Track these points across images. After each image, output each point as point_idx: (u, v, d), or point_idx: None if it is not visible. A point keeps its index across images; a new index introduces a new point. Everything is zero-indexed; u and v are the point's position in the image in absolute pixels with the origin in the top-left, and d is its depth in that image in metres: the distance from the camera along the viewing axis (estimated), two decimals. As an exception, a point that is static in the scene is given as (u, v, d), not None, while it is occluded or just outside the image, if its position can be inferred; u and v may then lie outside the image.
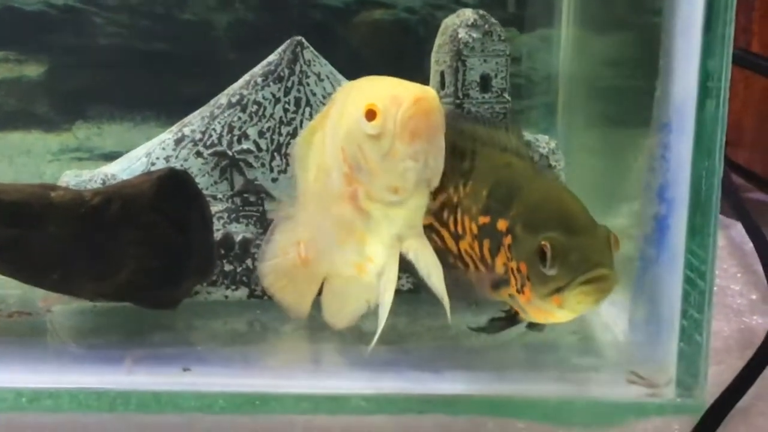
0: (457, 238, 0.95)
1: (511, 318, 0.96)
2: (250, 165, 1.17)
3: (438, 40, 1.23)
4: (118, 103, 1.58)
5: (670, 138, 0.87)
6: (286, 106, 1.19)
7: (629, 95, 1.22)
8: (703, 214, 0.86)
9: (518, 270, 0.86)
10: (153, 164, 1.16)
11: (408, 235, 0.86)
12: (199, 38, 1.57)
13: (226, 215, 1.15)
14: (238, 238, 1.14)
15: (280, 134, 1.18)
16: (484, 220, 0.91)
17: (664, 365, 0.91)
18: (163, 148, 1.18)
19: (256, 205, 1.16)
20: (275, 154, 1.17)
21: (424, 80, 1.27)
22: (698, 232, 0.87)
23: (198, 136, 1.17)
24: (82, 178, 1.16)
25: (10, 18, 1.54)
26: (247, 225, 1.15)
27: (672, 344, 0.89)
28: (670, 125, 0.87)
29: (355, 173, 0.83)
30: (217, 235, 1.13)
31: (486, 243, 0.90)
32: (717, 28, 0.83)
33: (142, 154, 1.19)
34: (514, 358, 1.01)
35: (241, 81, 1.20)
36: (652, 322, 0.93)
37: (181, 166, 1.15)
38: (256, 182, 1.16)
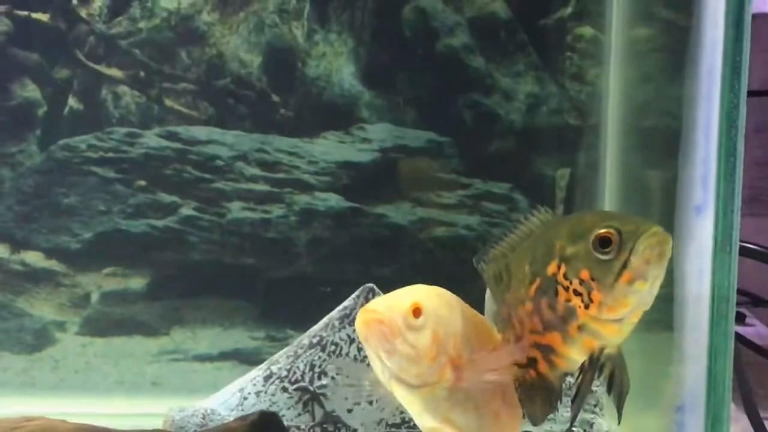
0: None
1: (589, 365, 0.96)
2: (328, 398, 1.34)
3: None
4: (209, 310, 1.78)
5: (684, 418, 1.03)
6: (360, 345, 1.36)
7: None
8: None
9: (581, 282, 0.92)
10: (245, 398, 1.34)
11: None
12: (282, 254, 1.77)
13: (308, 444, 1.33)
14: (319, 465, 1.32)
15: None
16: (534, 286, 0.97)
17: None
18: (254, 384, 1.35)
19: (334, 434, 1.34)
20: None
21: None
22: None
23: (284, 373, 1.35)
24: (186, 413, 1.34)
25: (119, 238, 1.76)
26: (326, 452, 1.33)
27: None
28: (684, 407, 1.03)
29: None
30: (301, 463, 1.30)
31: (544, 303, 0.96)
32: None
33: (236, 389, 1.37)
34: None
35: (320, 324, 1.38)
36: None
37: (270, 400, 1.33)
38: (333, 414, 1.34)
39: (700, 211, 1.01)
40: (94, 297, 1.78)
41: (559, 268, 0.95)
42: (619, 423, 1.12)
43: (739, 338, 1.88)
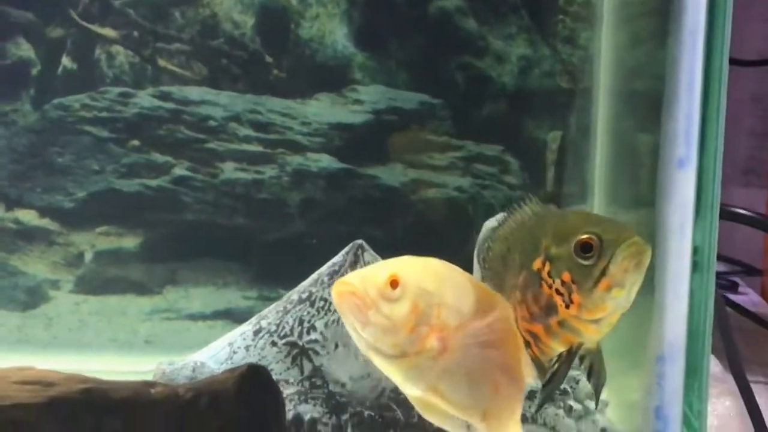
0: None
1: (566, 358, 1.03)
2: (317, 353, 1.36)
3: (479, 240, 1.41)
4: (202, 270, 1.79)
5: (665, 368, 1.04)
6: (348, 302, 1.38)
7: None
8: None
9: (562, 283, 0.96)
10: (235, 352, 1.36)
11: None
12: (274, 214, 1.78)
13: (296, 397, 1.34)
14: (307, 417, 1.33)
15: (343, 326, 1.37)
16: (522, 277, 1.01)
17: None
18: (244, 339, 1.37)
19: (322, 389, 1.35)
20: (338, 343, 1.36)
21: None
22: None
23: (273, 328, 1.37)
24: (176, 366, 1.36)
25: (112, 197, 1.77)
26: (314, 406, 1.34)
27: None
28: (664, 358, 1.04)
29: None
30: (289, 416, 1.31)
31: (530, 295, 1.01)
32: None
33: (226, 343, 1.38)
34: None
35: (310, 279, 1.40)
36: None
37: (259, 354, 1.35)
38: (322, 368, 1.35)
39: (683, 165, 1.02)
40: (88, 256, 1.79)
41: (544, 264, 0.99)
42: (596, 407, 1.16)
43: (730, 304, 1.90)
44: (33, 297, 1.78)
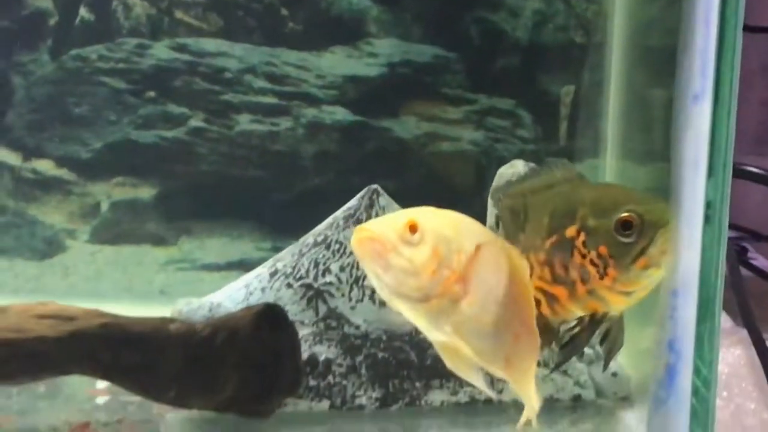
0: None
1: (589, 324, 1.04)
2: (332, 295, 1.37)
3: (493, 187, 1.43)
4: (217, 221, 1.81)
5: (678, 301, 1.05)
6: (362, 246, 1.39)
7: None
8: (703, 379, 1.05)
9: (598, 256, 0.98)
10: (251, 294, 1.37)
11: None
12: (288, 166, 1.79)
13: (311, 338, 1.35)
14: (321, 358, 1.35)
15: (358, 269, 1.38)
16: (551, 241, 1.03)
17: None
18: (260, 280, 1.39)
19: (337, 330, 1.36)
20: (354, 285, 1.38)
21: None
22: (700, 389, 1.06)
23: (289, 270, 1.38)
24: (193, 306, 1.38)
25: (128, 148, 1.78)
26: (328, 347, 1.36)
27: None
28: (677, 291, 1.05)
29: None
30: (304, 356, 1.33)
31: (558, 260, 1.02)
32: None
33: (242, 285, 1.40)
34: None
35: (325, 223, 1.41)
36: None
37: (275, 296, 1.36)
38: (337, 310, 1.37)
39: (698, 99, 1.03)
40: (104, 206, 1.81)
41: (578, 234, 1.00)
42: (603, 371, 1.18)
43: (742, 263, 1.91)
44: (50, 246, 1.80)
